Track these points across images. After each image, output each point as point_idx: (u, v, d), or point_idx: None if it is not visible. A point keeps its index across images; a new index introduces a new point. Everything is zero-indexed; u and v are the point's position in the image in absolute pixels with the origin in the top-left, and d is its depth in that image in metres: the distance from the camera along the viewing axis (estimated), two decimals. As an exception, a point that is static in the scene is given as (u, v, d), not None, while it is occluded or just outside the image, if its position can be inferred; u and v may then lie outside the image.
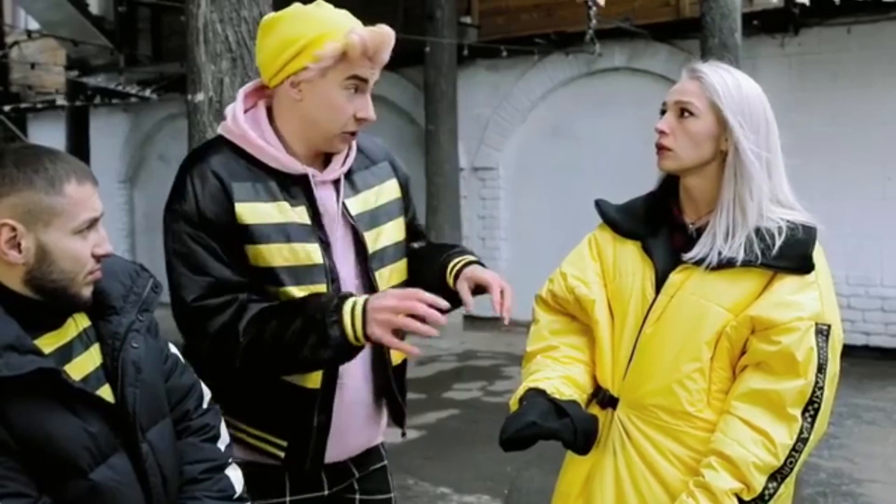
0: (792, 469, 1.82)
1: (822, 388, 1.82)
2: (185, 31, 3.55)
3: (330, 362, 1.90)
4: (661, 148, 1.97)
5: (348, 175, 2.06)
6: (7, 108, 13.17)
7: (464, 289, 2.00)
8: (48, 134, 13.95)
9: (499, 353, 9.08)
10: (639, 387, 1.94)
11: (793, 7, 8.35)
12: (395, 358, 2.11)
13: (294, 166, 1.96)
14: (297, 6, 1.97)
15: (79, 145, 12.70)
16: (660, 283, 1.96)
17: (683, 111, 1.94)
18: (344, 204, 2.03)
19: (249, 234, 1.90)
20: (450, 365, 8.69)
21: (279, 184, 1.95)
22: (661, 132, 1.96)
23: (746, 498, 1.80)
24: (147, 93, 11.96)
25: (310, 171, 1.98)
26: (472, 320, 9.91)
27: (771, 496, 1.81)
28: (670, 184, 2.06)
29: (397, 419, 2.21)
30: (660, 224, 2.03)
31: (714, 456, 1.83)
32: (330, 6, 1.96)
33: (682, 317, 1.91)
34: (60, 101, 13.43)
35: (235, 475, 1.86)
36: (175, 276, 1.91)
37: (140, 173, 13.82)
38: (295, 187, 1.96)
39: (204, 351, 1.90)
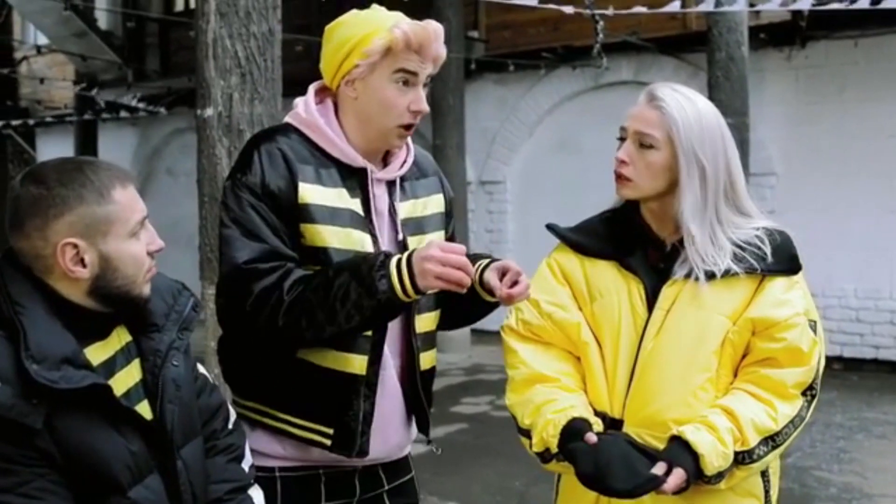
0: (784, 441, 1.88)
1: (819, 376, 1.92)
2: (194, 46, 3.55)
3: (375, 318, 1.90)
4: (619, 176, 2.00)
5: (401, 181, 2.12)
6: (16, 122, 13.21)
7: (492, 277, 2.03)
8: (57, 148, 14.01)
9: (506, 366, 9.05)
10: (648, 403, 1.93)
11: (800, 20, 8.35)
12: (424, 363, 2.13)
13: (355, 158, 2.03)
14: (352, 12, 2.05)
15: (87, 160, 12.72)
16: (649, 298, 1.97)
17: (643, 142, 1.97)
18: (393, 206, 2.08)
19: (309, 214, 1.95)
20: (457, 379, 8.67)
21: (339, 173, 2.02)
22: (622, 162, 1.99)
23: (737, 449, 1.85)
24: (155, 107, 12.02)
25: (369, 165, 2.05)
26: (479, 334, 9.87)
27: (760, 458, 1.86)
28: (630, 202, 2.07)
29: (422, 426, 2.22)
30: (632, 241, 2.03)
31: (716, 408, 1.88)
32: (382, 9, 2.04)
33: (684, 329, 1.92)
34: (69, 115, 13.49)
35: (258, 496, 1.88)
36: (228, 239, 1.94)
37: (148, 187, 13.86)
38: (352, 179, 2.03)
39: (245, 311, 1.90)
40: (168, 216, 13.74)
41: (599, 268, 2.04)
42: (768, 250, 1.93)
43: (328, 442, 2.00)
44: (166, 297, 1.77)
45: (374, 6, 2.07)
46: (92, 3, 12.23)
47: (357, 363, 1.98)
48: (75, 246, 1.56)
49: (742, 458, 1.85)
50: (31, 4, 11.31)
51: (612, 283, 2.01)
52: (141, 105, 11.92)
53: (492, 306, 2.14)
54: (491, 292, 2.03)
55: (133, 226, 1.63)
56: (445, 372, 8.87)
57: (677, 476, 1.80)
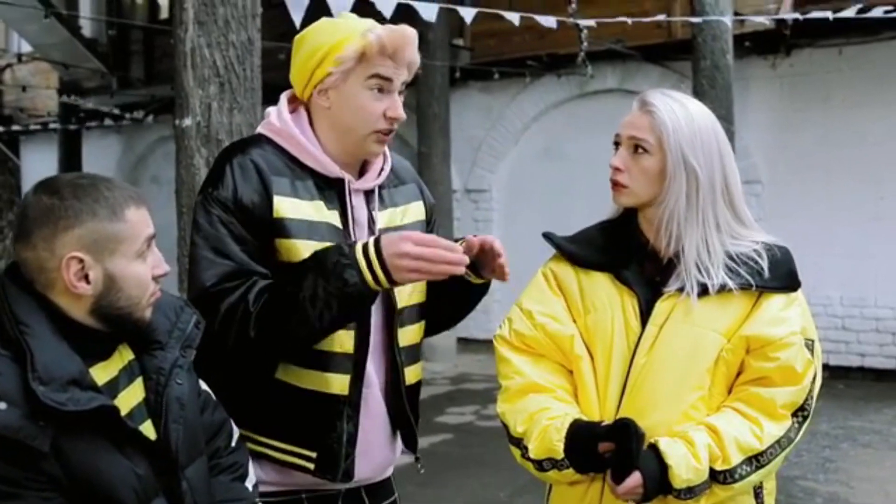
0: (769, 462, 1.85)
1: (812, 398, 1.88)
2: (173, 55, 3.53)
3: (349, 312, 1.85)
4: (616, 184, 1.96)
5: (379, 189, 2.07)
6: (-1, 130, 13.17)
7: (471, 244, 1.98)
8: (41, 156, 13.94)
9: (492, 376, 8.96)
10: (639, 420, 1.88)
11: (784, 28, 8.37)
12: (409, 378, 2.08)
13: (332, 169, 1.97)
14: (323, 19, 2.01)
15: (71, 168, 12.66)
16: (643, 313, 1.93)
17: (637, 147, 1.94)
18: (372, 215, 2.03)
19: (283, 228, 1.89)
20: (443, 388, 8.63)
21: (316, 185, 1.97)
22: (616, 169, 1.96)
23: (718, 467, 1.82)
24: (139, 115, 11.97)
25: (346, 176, 1.99)
26: (465, 343, 9.85)
27: (742, 478, 1.83)
28: (628, 212, 2.04)
29: (409, 443, 2.16)
30: (628, 253, 2.00)
31: (701, 425, 1.85)
32: (354, 16, 2.00)
33: (677, 345, 1.89)
34: (53, 123, 13.42)
35: None
36: (196, 258, 1.89)
37: (132, 196, 13.81)
38: (330, 191, 1.98)
39: (215, 332, 1.84)
40: (153, 225, 13.68)
41: (594, 280, 2.00)
42: (765, 265, 1.89)
43: (311, 466, 1.95)
44: (169, 314, 1.72)
45: (345, 13, 2.03)
46: (76, 10, 12.18)
47: (338, 383, 1.93)
48: (81, 261, 1.52)
49: (724, 478, 1.82)
50: (15, 12, 11.24)
51: (606, 295, 1.97)
52: (125, 113, 11.86)
53: (482, 291, 2.10)
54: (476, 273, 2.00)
55: (140, 244, 1.59)
56: (431, 381, 8.83)
57: (632, 479, 1.80)
